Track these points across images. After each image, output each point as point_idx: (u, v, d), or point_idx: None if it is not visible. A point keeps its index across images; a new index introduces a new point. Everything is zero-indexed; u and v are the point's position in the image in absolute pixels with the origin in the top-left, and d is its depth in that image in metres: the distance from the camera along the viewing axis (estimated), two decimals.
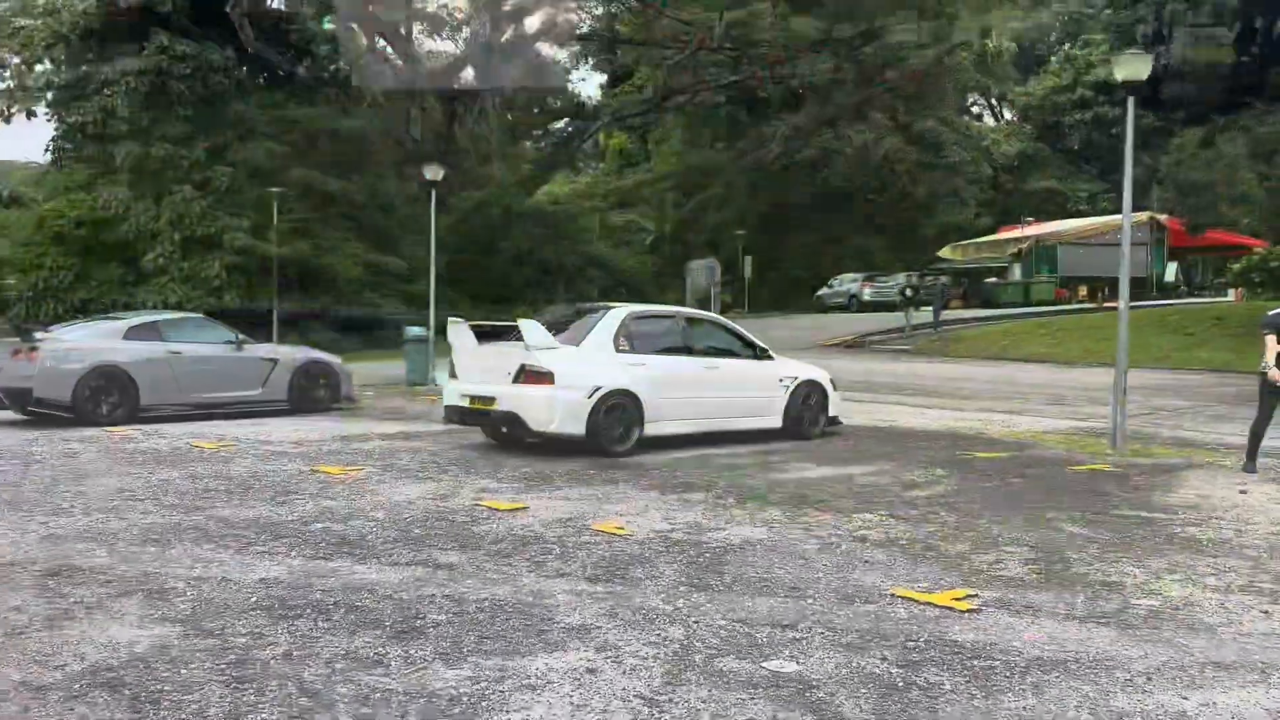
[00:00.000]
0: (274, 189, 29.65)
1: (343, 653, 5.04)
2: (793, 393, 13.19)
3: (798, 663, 4.93)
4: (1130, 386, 12.95)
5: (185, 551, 7.01)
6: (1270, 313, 10.99)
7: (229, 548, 7.12)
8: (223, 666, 4.83)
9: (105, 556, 6.86)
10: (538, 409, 11.22)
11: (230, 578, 6.36)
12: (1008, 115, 74.97)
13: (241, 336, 15.85)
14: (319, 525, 7.83)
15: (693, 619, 5.58)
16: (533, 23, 43.30)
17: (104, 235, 29.99)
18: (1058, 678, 4.78)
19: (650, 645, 5.15)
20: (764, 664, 4.91)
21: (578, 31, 48.75)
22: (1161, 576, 6.58)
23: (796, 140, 47.99)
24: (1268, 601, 6.05)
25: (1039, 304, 46.74)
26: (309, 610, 5.71)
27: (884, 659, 4.98)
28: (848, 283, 50.82)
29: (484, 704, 4.44)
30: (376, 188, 33.64)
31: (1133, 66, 12.19)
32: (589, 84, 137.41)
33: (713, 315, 14.28)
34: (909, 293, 37.97)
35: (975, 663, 4.95)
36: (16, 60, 33.00)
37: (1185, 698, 4.58)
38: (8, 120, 33.85)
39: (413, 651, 5.05)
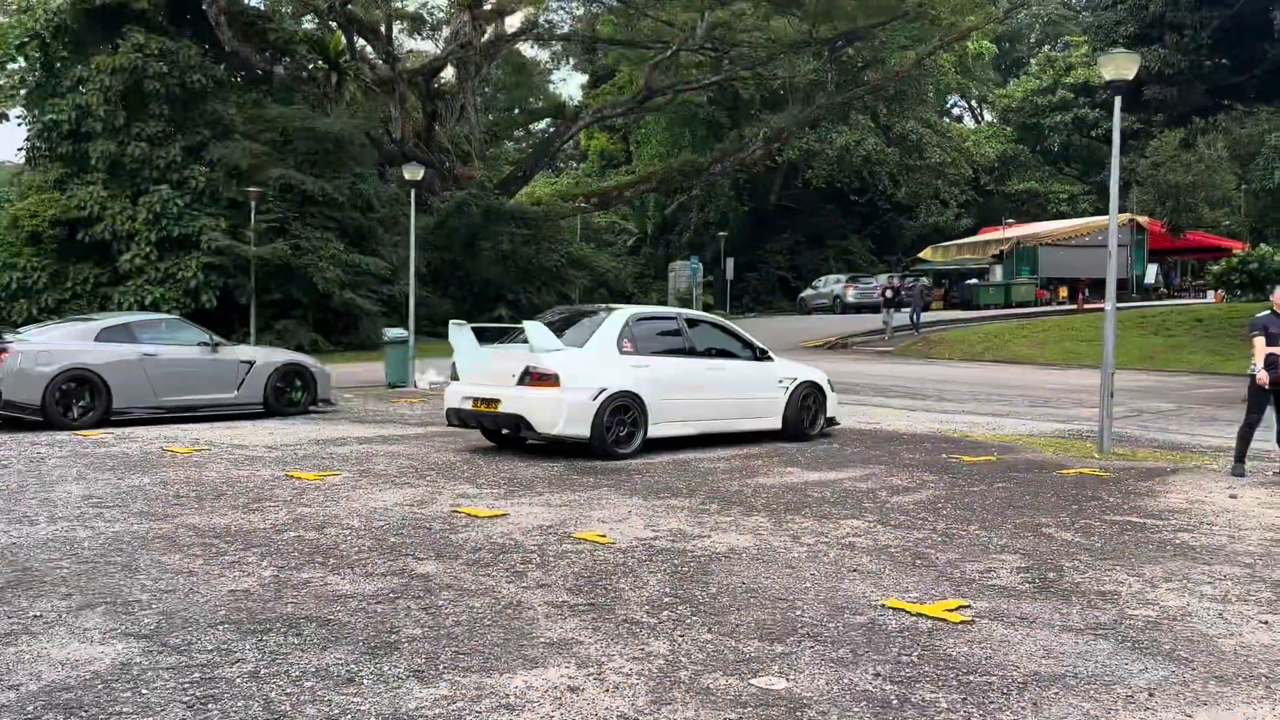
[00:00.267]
0: (252, 188, 29.33)
1: (313, 670, 4.82)
2: (792, 394, 13.16)
3: (787, 679, 4.75)
4: (1114, 389, 12.82)
5: (152, 562, 6.78)
6: (1258, 315, 10.88)
7: (198, 558, 6.89)
8: (186, 686, 4.61)
9: (69, 567, 6.63)
10: (543, 411, 11.14)
11: (198, 590, 6.14)
12: (988, 117, 75.18)
13: (216, 338, 15.58)
14: (292, 533, 7.61)
15: (677, 632, 5.39)
16: (513, 22, 43.07)
17: (79, 235, 29.56)
18: (1057, 694, 4.61)
19: (634, 661, 4.96)
20: (752, 680, 4.72)
21: (558, 31, 48.54)
22: (1157, 585, 6.42)
23: (778, 141, 47.85)
24: (1266, 611, 5.90)
25: (1020, 305, 46.83)
26: (279, 624, 5.49)
27: (877, 675, 4.80)
28: (831, 284, 50.80)
29: None
30: (356, 187, 33.27)
31: (1120, 65, 12.07)
32: (570, 84, 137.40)
33: (712, 316, 14.20)
34: (888, 294, 37.94)
35: (971, 679, 4.77)
36: None
37: (1190, 715, 4.42)
38: None
39: (386, 669, 4.84)
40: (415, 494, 9.20)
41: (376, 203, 34.18)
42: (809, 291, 51.75)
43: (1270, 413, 10.84)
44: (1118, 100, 12.29)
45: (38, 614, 5.64)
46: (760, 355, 13.16)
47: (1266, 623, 5.68)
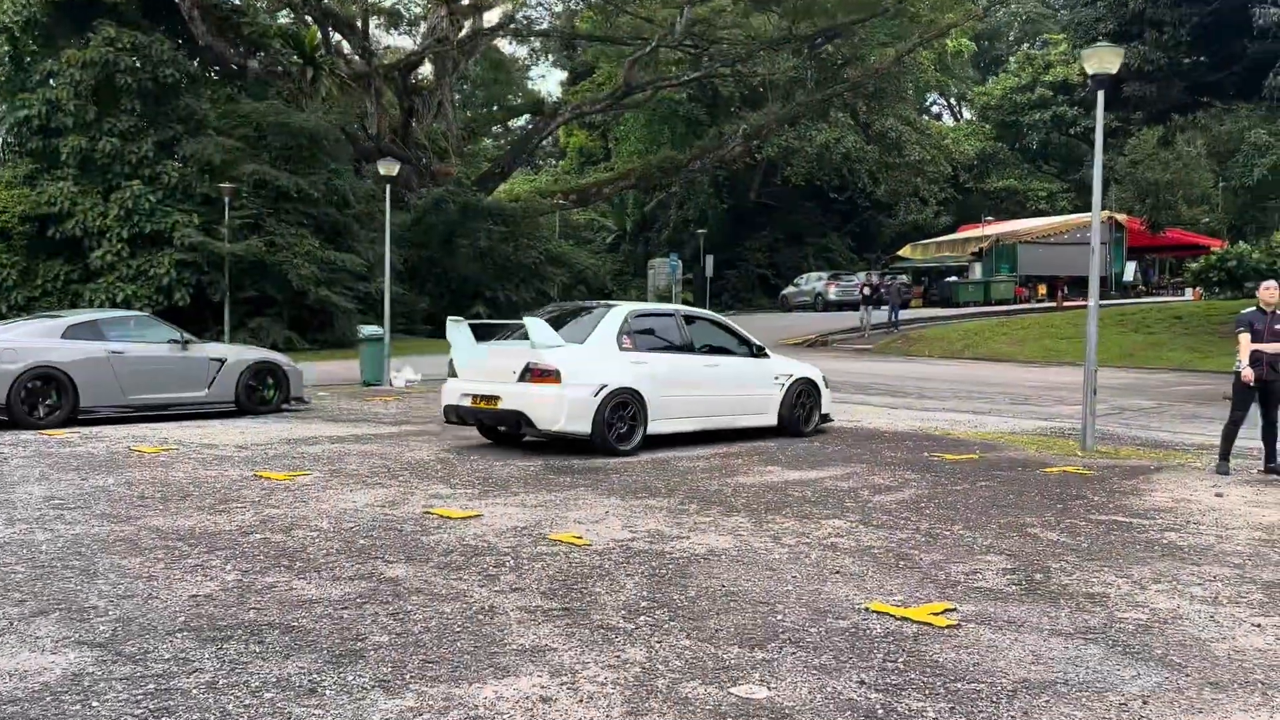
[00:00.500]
0: (225, 184, 28.97)
1: (273, 680, 4.61)
2: (788, 390, 13.18)
3: (768, 687, 4.56)
4: (1096, 386, 12.69)
5: (112, 566, 6.54)
6: (1243, 311, 10.77)
7: (159, 561, 6.66)
8: (139, 698, 4.39)
9: (24, 572, 6.38)
10: (545, 407, 11.08)
11: (158, 595, 5.90)
12: (967, 115, 75.28)
13: (186, 335, 15.30)
14: (258, 536, 7.38)
15: (655, 638, 5.20)
16: (491, 17, 42.79)
17: (50, 232, 29.11)
18: (1048, 702, 4.44)
19: (609, 669, 4.76)
20: (732, 689, 4.53)
21: (537, 27, 48.28)
22: (1146, 587, 6.27)
23: (757, 138, 47.72)
24: (1258, 614, 5.76)
25: (999, 303, 46.86)
26: (240, 631, 5.27)
27: (861, 682, 4.62)
28: (813, 281, 50.71)
29: None
30: (332, 183, 32.91)
31: (1103, 59, 11.95)
32: (549, 80, 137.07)
33: (709, 313, 14.21)
34: (866, 292, 37.91)
35: (959, 686, 4.60)
36: None
37: None
38: None
39: (350, 678, 4.63)
40: (387, 494, 8.98)
41: (352, 199, 33.83)
42: (791, 289, 51.65)
43: (1255, 410, 10.72)
44: (1101, 94, 12.16)
45: None
46: (756, 352, 13.15)
47: (1259, 626, 5.53)
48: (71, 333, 14.13)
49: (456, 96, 48.78)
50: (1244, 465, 11.16)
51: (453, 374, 12.26)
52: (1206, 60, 29.66)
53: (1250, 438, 11.07)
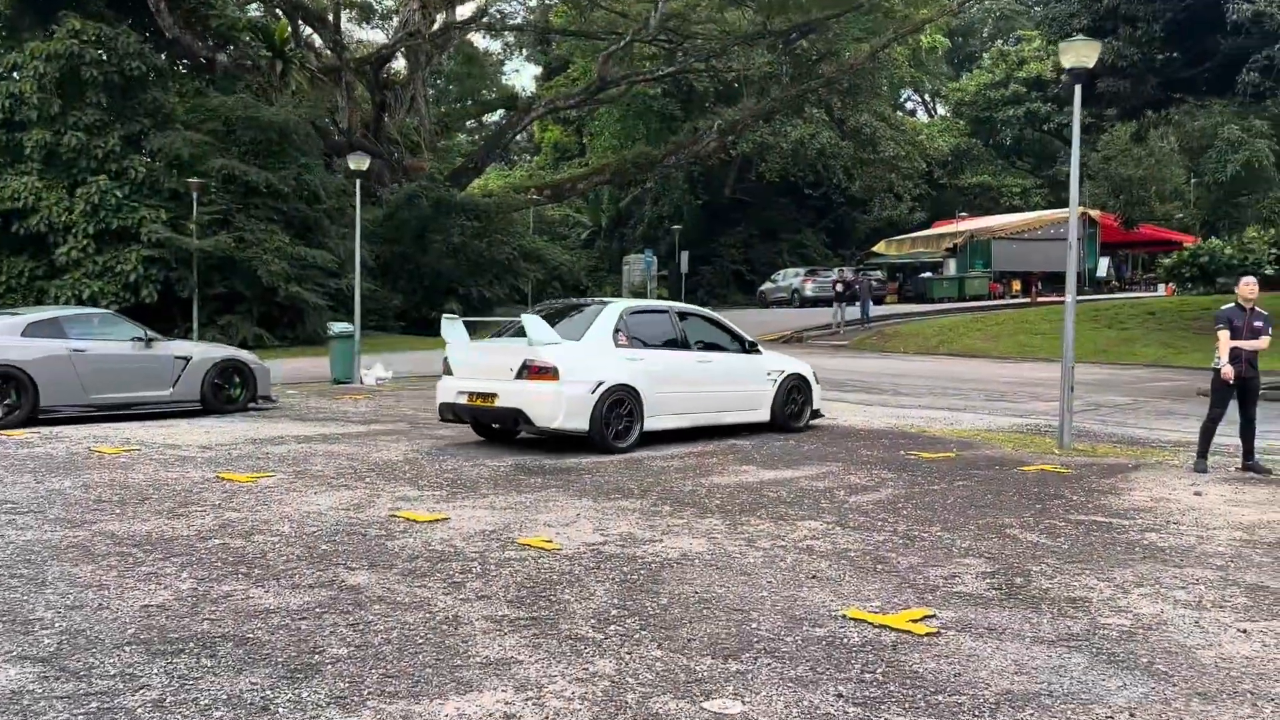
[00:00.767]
0: (194, 179, 28.53)
1: (224, 697, 4.39)
2: (779, 386, 13.22)
3: (742, 701, 4.38)
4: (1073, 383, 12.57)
5: (61, 574, 6.29)
6: (1222, 308, 10.68)
7: (112, 569, 6.41)
8: (79, 718, 4.17)
9: None
10: (543, 404, 11.03)
11: (108, 605, 5.67)
12: (941, 111, 75.40)
13: (151, 333, 14.97)
14: (217, 541, 7.14)
15: (625, 649, 5.00)
16: (464, 11, 42.46)
17: (13, 227, 28.60)
18: (1032, 715, 4.28)
19: (577, 682, 4.57)
20: (704, 704, 4.35)
21: (510, 21, 47.95)
22: (1128, 590, 6.13)
23: (733, 134, 47.57)
24: (1244, 618, 5.62)
25: (973, 298, 46.91)
26: (192, 644, 5.04)
27: (839, 696, 4.45)
28: (790, 277, 50.61)
29: None
30: (302, 178, 32.50)
31: (1080, 52, 11.82)
32: (523, 75, 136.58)
33: (702, 309, 14.17)
34: (840, 288, 37.85)
35: (939, 699, 4.43)
36: None
37: None
38: None
39: (305, 694, 4.42)
40: (352, 497, 8.75)
41: (323, 194, 33.43)
42: (768, 285, 51.56)
43: (1233, 408, 10.63)
44: (1078, 88, 12.04)
45: None
46: (749, 348, 13.19)
47: (1245, 631, 5.39)
48: (32, 330, 13.81)
49: (430, 91, 48.37)
50: (1221, 463, 11.08)
51: (448, 372, 12.16)
52: (1180, 56, 29.71)
53: (1227, 435, 10.99)
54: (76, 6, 29.68)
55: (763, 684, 4.57)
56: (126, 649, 4.97)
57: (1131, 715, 4.29)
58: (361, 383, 20.42)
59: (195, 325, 28.25)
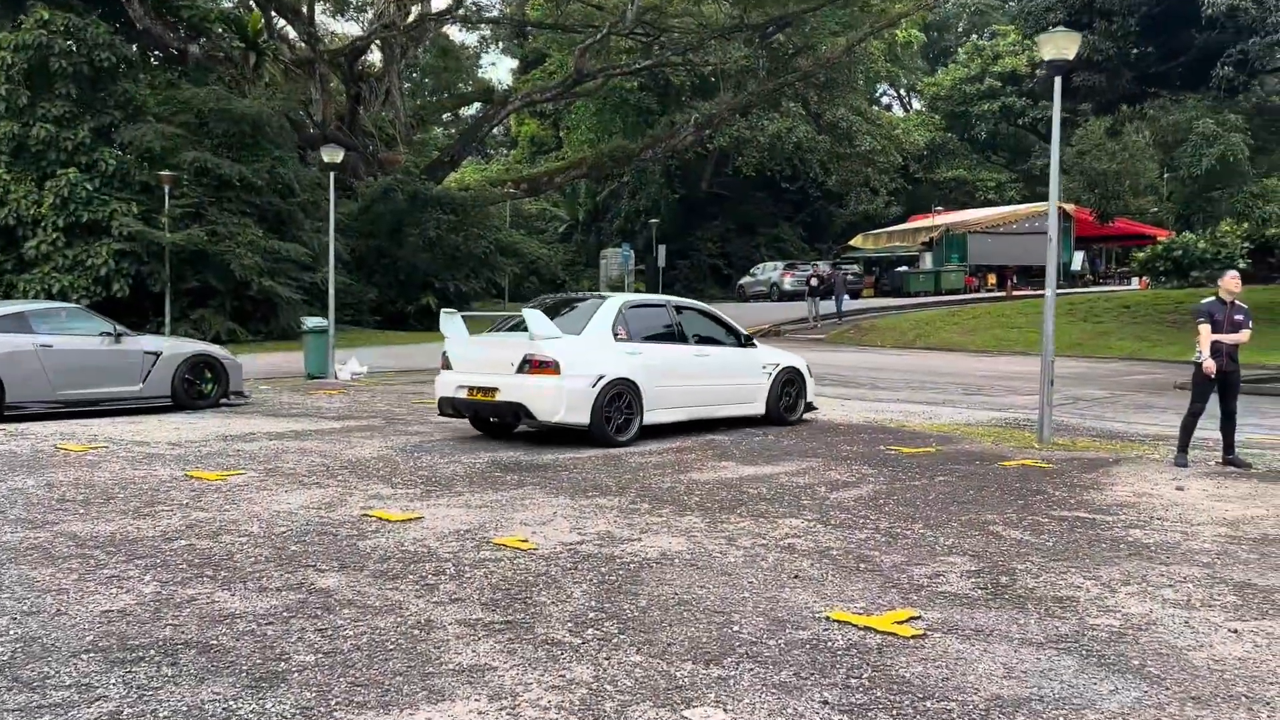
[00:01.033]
0: (165, 172, 28.16)
1: (184, 708, 4.21)
2: (774, 379, 13.31)
3: (725, 709, 4.23)
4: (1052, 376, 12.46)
5: (19, 577, 6.08)
6: (1203, 301, 10.62)
7: (73, 572, 6.21)
8: None
9: None
10: (544, 399, 11.04)
11: (67, 610, 5.47)
12: (916, 105, 75.49)
13: (120, 328, 14.69)
14: (183, 542, 6.94)
15: (603, 654, 4.85)
16: (439, 3, 42.12)
17: None
18: None
19: (553, 690, 4.41)
20: (685, 712, 4.20)
21: (486, 14, 47.64)
22: (1116, 589, 6.02)
23: (710, 127, 47.41)
24: (1233, 618, 5.52)
25: (949, 292, 46.97)
26: (153, 651, 4.86)
27: (825, 702, 4.31)
28: (769, 271, 50.55)
29: None
30: (276, 171, 32.13)
31: (1059, 44, 11.73)
32: (499, 68, 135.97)
33: (698, 303, 14.19)
34: (814, 283, 37.83)
35: (928, 705, 4.30)
36: None
37: None
38: None
39: (270, 705, 4.25)
40: (324, 495, 8.56)
41: (297, 187, 33.07)
42: (747, 279, 51.48)
43: (1213, 402, 10.57)
44: (1058, 80, 11.95)
45: None
46: (744, 342, 13.29)
47: (1236, 631, 5.29)
48: None
49: (405, 84, 48.03)
50: (1200, 457, 11.03)
51: (447, 366, 12.13)
52: (1155, 50, 29.74)
53: (1206, 429, 10.93)
54: None
55: (745, 690, 4.43)
56: (84, 657, 4.78)
57: None
58: (336, 378, 20.19)
59: (168, 320, 27.91)
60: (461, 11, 44.03)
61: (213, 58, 34.80)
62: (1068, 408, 15.91)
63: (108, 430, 12.52)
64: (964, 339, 31.37)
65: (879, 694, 4.40)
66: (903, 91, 78.26)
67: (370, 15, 44.09)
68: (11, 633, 5.11)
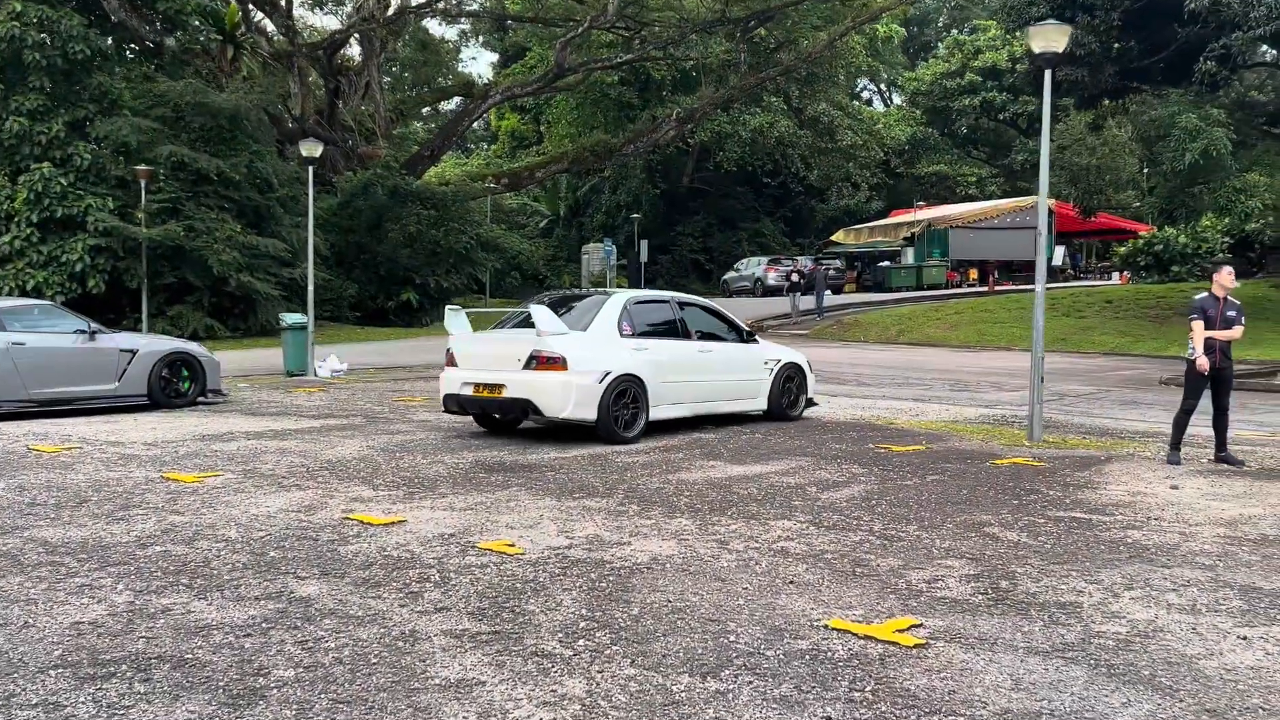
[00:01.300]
0: (141, 166, 27.78)
1: None
2: (776, 375, 13.32)
3: None
4: (1040, 373, 12.30)
5: None
6: (1196, 297, 10.50)
7: (43, 581, 5.99)
8: None
9: None
10: (551, 395, 11.01)
11: (35, 623, 5.25)
12: (897, 100, 75.48)
13: (95, 325, 14.41)
14: (158, 548, 6.72)
15: (595, 667, 4.67)
16: None
17: None
18: None
19: (545, 706, 4.23)
20: None
21: (466, 7, 47.27)
22: (1119, 594, 5.88)
23: (691, 122, 47.21)
24: (1241, 624, 5.38)
25: (931, 287, 46.96)
26: (126, 666, 4.65)
27: (827, 718, 4.14)
28: (753, 266, 50.43)
29: None
30: (254, 166, 31.75)
31: (1049, 38, 11.60)
32: (480, 62, 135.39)
33: (701, 299, 14.12)
34: (795, 278, 37.72)
35: None
36: None
37: None
38: None
39: None
40: (304, 498, 8.34)
41: (276, 182, 32.71)
42: (731, 274, 51.35)
43: (1206, 398, 10.46)
44: (1048, 74, 11.81)
45: None
46: (746, 337, 13.29)
47: (1245, 638, 5.14)
48: None
49: (384, 78, 47.62)
50: (1192, 454, 10.93)
51: (451, 363, 12.07)
52: (1137, 45, 29.74)
53: (1196, 424, 10.82)
54: None
55: (745, 705, 4.26)
56: (53, 673, 4.57)
57: None
58: (316, 375, 19.93)
59: (144, 316, 27.58)
60: (441, 5, 43.60)
61: (189, 51, 34.36)
62: (1054, 404, 15.81)
63: (82, 430, 12.25)
64: (947, 334, 31.31)
65: (883, 708, 4.23)
66: (883, 86, 78.28)
67: (349, 8, 43.65)
68: None
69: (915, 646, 4.94)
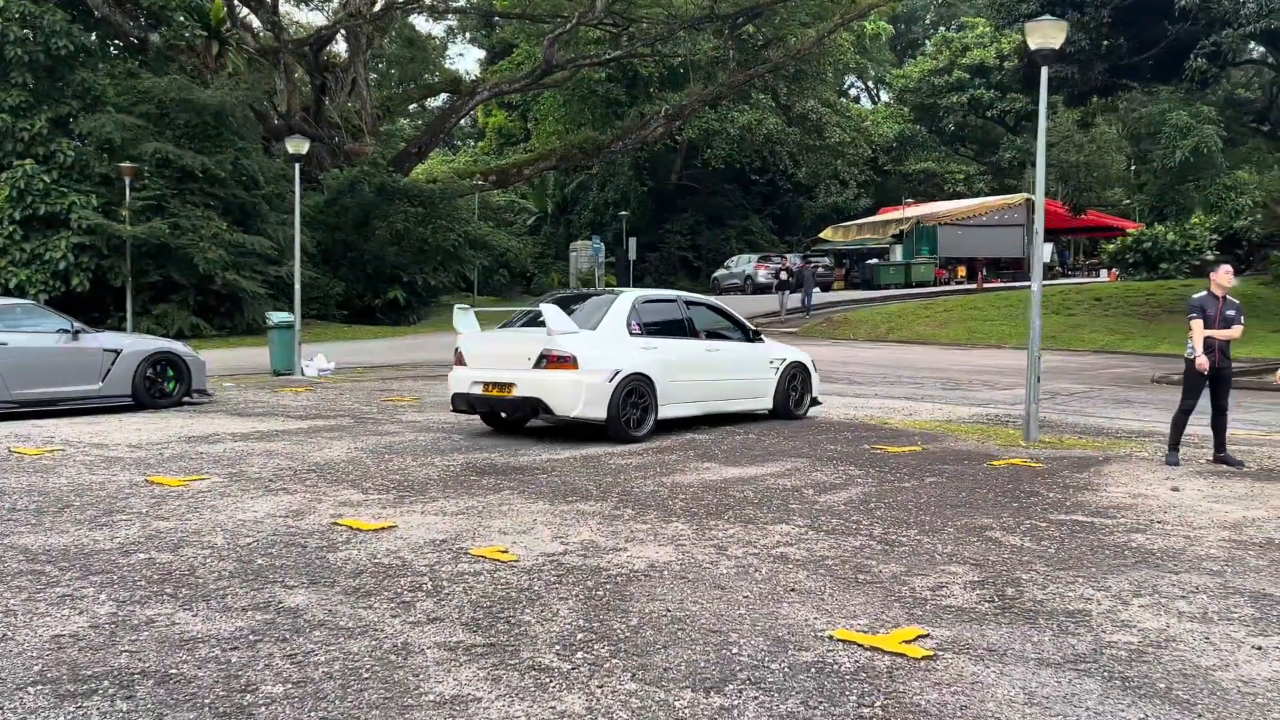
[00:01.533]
0: (126, 163, 27.50)
1: None
2: (782, 374, 13.33)
3: None
4: (1024, 370, 12.13)
5: None
6: (1194, 296, 10.40)
7: (22, 591, 5.81)
8: None
9: None
10: (562, 394, 11.00)
11: (14, 636, 5.07)
12: (885, 97, 75.41)
13: (78, 324, 14.19)
14: (142, 555, 6.55)
15: (595, 681, 4.52)
16: None
17: None
18: None
19: None
20: None
21: (453, 4, 47.01)
22: (1128, 602, 5.75)
23: (680, 118, 47.05)
24: (1255, 632, 5.26)
25: (920, 285, 46.92)
26: (108, 682, 4.48)
27: None
28: (743, 264, 50.33)
29: None
30: (239, 163, 31.49)
31: (1046, 34, 11.48)
32: (467, 59, 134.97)
33: (708, 298, 14.13)
34: (783, 276, 37.63)
35: None
36: None
37: None
38: None
39: None
40: (291, 502, 8.16)
41: (262, 179, 32.47)
42: (721, 271, 51.25)
43: (1205, 398, 10.36)
44: (1045, 71, 11.71)
45: None
46: (752, 337, 13.29)
47: (1260, 648, 5.02)
48: None
49: (371, 75, 47.34)
50: (1190, 454, 10.84)
51: (460, 362, 12.04)
52: (1127, 42, 29.70)
53: (1195, 424, 10.72)
54: None
55: None
56: (31, 690, 4.40)
57: None
58: (303, 374, 19.73)
59: (129, 315, 27.32)
60: (428, 1, 43.35)
61: (174, 47, 34.07)
62: (1047, 402, 15.73)
63: (65, 432, 12.05)
64: (936, 332, 31.25)
65: None
66: (871, 84, 78.20)
67: (335, 4, 43.40)
68: None
69: (923, 658, 4.80)
